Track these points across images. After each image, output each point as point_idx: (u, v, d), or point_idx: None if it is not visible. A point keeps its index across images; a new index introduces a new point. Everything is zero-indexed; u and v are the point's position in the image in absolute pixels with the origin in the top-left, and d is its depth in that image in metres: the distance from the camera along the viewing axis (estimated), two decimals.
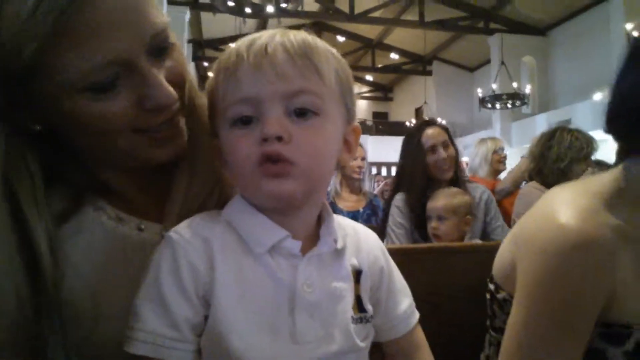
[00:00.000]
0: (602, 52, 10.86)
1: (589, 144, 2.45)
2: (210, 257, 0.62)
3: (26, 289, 0.61)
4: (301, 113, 0.62)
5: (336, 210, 3.25)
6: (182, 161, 0.76)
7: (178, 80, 0.69)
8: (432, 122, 2.35)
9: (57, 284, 0.64)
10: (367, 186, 3.71)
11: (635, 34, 7.40)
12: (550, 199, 0.84)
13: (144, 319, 0.59)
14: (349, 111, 0.70)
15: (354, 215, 3.28)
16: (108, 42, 0.59)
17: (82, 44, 0.57)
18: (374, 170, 15.42)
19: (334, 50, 0.70)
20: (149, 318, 0.59)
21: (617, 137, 0.82)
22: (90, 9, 0.57)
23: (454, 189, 2.13)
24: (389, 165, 16.80)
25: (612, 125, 0.81)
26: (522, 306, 0.80)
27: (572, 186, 0.86)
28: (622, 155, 0.83)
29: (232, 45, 0.68)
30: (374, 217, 3.34)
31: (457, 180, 2.28)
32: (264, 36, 0.64)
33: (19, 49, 0.55)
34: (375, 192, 5.99)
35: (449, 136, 2.31)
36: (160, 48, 0.66)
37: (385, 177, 12.10)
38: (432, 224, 2.03)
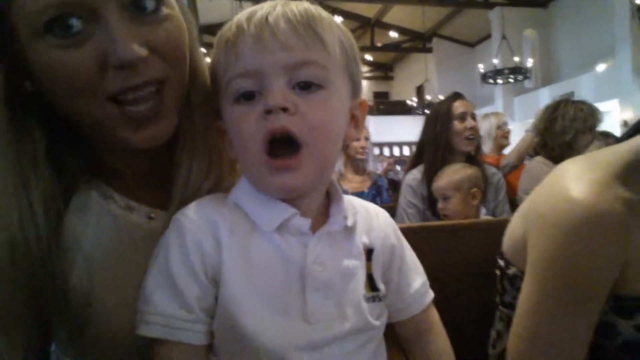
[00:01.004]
0: (605, 23, 10.70)
1: (594, 115, 2.44)
2: (217, 238, 0.62)
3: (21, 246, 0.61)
4: (305, 86, 0.60)
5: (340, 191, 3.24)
6: (182, 143, 0.74)
7: (166, 51, 0.65)
8: (461, 95, 2.36)
9: (56, 262, 0.64)
10: (371, 166, 3.70)
11: (638, 2, 7.26)
12: (561, 173, 0.83)
13: (155, 302, 0.59)
14: (355, 84, 0.68)
15: (358, 196, 3.27)
16: None
17: None
18: (377, 151, 15.38)
19: (338, 21, 0.68)
20: (159, 300, 0.59)
21: None
22: None
23: (457, 165, 2.08)
24: (390, 145, 16.77)
25: None
26: (534, 281, 0.80)
27: (582, 159, 0.85)
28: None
29: None
30: (378, 197, 3.34)
31: (474, 159, 2.27)
32: (265, 7, 0.63)
33: None
34: (379, 171, 6.00)
35: (473, 117, 2.33)
36: (137, 6, 0.62)
37: (388, 157, 12.08)
38: (439, 205, 2.00)
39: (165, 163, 0.75)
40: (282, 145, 0.60)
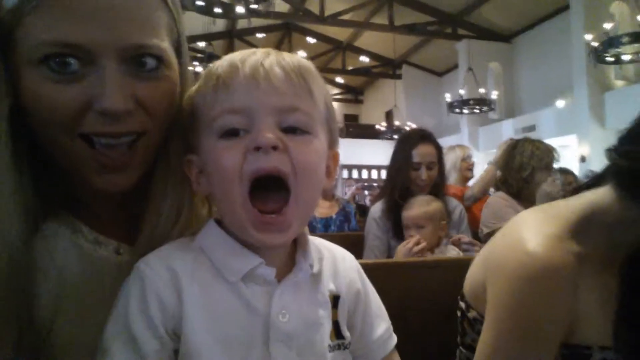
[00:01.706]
0: (564, 60, 11.25)
1: (549, 154, 2.62)
2: (178, 289, 0.61)
3: None
4: (292, 130, 0.62)
5: None
6: (156, 182, 0.75)
7: (153, 109, 0.67)
8: (427, 137, 2.40)
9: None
10: (339, 191, 3.75)
11: (594, 44, 7.69)
12: (519, 224, 0.88)
13: (113, 354, 0.58)
14: (332, 136, 0.71)
15: (326, 222, 3.30)
16: (78, 27, 0.59)
17: (55, 20, 0.58)
18: (345, 174, 15.51)
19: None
20: (117, 353, 0.58)
21: (621, 171, 0.77)
22: None
23: (427, 197, 2.19)
24: (359, 168, 16.93)
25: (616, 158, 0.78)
26: (491, 329, 0.83)
27: (539, 210, 0.90)
28: (602, 180, 0.83)
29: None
30: (346, 223, 3.38)
31: (437, 194, 2.35)
32: (257, 53, 0.65)
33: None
34: (347, 196, 6.06)
35: (439, 155, 2.39)
36: (137, 62, 0.64)
37: (356, 181, 12.20)
38: (411, 233, 2.06)
39: (136, 197, 0.75)
40: (262, 186, 0.61)
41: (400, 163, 2.35)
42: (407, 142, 2.40)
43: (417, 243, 1.94)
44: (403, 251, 1.95)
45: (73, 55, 0.60)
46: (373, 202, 2.57)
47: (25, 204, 0.63)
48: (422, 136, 2.39)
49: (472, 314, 0.98)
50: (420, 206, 2.10)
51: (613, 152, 0.78)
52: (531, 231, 0.83)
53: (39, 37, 0.59)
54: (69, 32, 0.59)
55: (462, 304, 1.02)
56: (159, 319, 0.59)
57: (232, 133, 0.62)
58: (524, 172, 2.57)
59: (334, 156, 0.73)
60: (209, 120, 0.63)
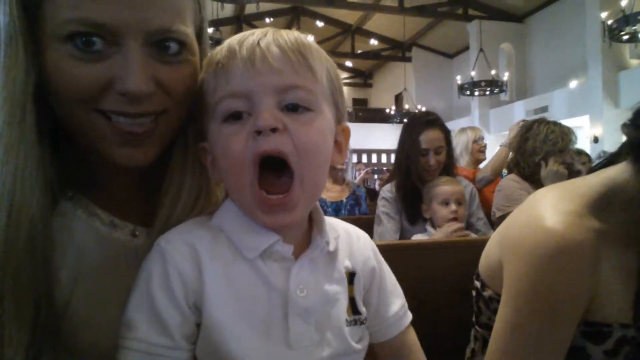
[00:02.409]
0: (578, 40, 11.07)
1: (564, 137, 2.49)
2: (199, 264, 0.62)
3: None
4: (293, 108, 0.62)
5: (320, 201, 3.26)
6: (174, 165, 0.75)
7: (173, 90, 0.67)
8: (433, 122, 2.35)
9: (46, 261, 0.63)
10: (349, 176, 3.74)
11: (609, 22, 7.52)
12: (536, 201, 0.86)
13: (137, 328, 0.59)
14: (339, 111, 0.70)
15: (337, 206, 3.30)
16: (106, 7, 0.59)
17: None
18: (355, 158, 15.47)
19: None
20: (141, 327, 0.59)
21: (638, 144, 0.78)
22: None
23: (448, 177, 2.26)
24: (369, 152, 16.89)
25: (632, 131, 0.78)
26: (509, 307, 0.83)
27: (557, 188, 0.89)
28: (619, 157, 0.83)
29: (210, 30, 0.68)
30: (357, 207, 3.37)
31: (448, 173, 2.35)
32: (256, 33, 0.65)
33: None
34: (357, 180, 6.05)
35: (447, 138, 2.36)
36: (160, 46, 0.64)
37: (365, 165, 12.16)
38: (452, 207, 2.11)
39: (153, 179, 0.75)
40: (272, 168, 0.61)
41: (409, 149, 2.33)
42: (413, 128, 2.37)
43: (460, 229, 2.07)
44: (445, 232, 2.04)
45: (98, 34, 0.60)
46: (382, 185, 2.56)
47: (45, 178, 0.64)
48: (428, 121, 2.35)
49: (487, 293, 0.97)
50: (455, 184, 2.17)
51: (630, 127, 0.77)
52: (549, 208, 0.82)
53: (66, 15, 0.59)
54: (97, 12, 0.59)
55: (478, 283, 1.02)
56: (181, 293, 0.60)
57: (235, 117, 0.62)
58: (537, 157, 2.48)
59: (343, 131, 0.72)
60: (213, 105, 0.64)
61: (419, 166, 2.30)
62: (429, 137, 2.29)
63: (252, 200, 0.62)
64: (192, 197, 0.74)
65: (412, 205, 2.28)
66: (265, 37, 0.63)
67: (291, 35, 0.65)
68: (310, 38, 0.68)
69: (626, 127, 0.77)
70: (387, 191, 2.41)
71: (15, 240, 0.59)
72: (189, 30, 0.68)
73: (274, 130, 0.59)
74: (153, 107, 0.65)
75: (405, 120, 13.33)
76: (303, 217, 0.66)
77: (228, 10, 12.03)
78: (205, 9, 0.75)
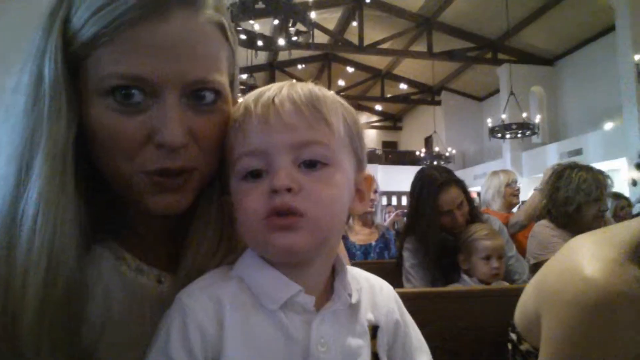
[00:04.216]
0: (610, 82, 10.91)
1: (598, 184, 2.31)
2: (220, 318, 0.61)
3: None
4: (311, 164, 0.62)
5: (348, 243, 3.23)
6: (200, 213, 0.76)
7: (205, 144, 0.68)
8: (448, 183, 2.22)
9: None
10: (378, 218, 3.70)
11: None
12: (573, 250, 0.83)
13: None
14: (359, 158, 0.69)
15: (366, 249, 3.25)
16: (145, 61, 0.61)
17: (124, 54, 0.61)
18: (384, 200, 15.36)
19: (340, 98, 0.70)
20: None
21: None
22: (150, 30, 0.61)
23: (484, 225, 2.17)
24: (399, 195, 16.75)
25: None
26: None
27: (596, 234, 0.85)
28: None
29: (244, 76, 0.68)
30: (386, 251, 3.31)
31: (474, 217, 2.27)
32: (272, 88, 0.66)
33: (81, 29, 0.62)
34: (386, 223, 5.97)
35: (465, 192, 2.26)
36: (197, 96, 0.66)
37: (395, 207, 12.03)
38: (494, 264, 2.01)
39: (181, 225, 0.76)
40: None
41: (429, 215, 2.20)
42: (429, 191, 2.23)
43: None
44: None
45: (138, 87, 0.62)
46: (403, 236, 2.41)
47: (81, 228, 0.65)
48: (442, 183, 2.20)
49: (524, 347, 0.92)
50: (496, 238, 2.07)
51: None
52: (588, 256, 0.78)
53: (108, 69, 0.61)
54: (138, 66, 0.61)
55: (514, 336, 0.97)
56: (200, 348, 0.59)
57: (254, 175, 0.63)
58: (570, 207, 2.33)
59: (365, 179, 0.71)
60: (232, 163, 0.65)
61: (443, 225, 2.21)
62: (448, 199, 2.19)
63: (258, 226, 0.61)
64: (214, 242, 0.74)
65: (447, 260, 2.18)
66: (280, 92, 0.64)
67: (305, 88, 0.65)
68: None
69: None
70: (410, 245, 2.30)
71: (52, 296, 0.60)
72: (224, 80, 0.69)
73: (289, 190, 0.59)
74: (186, 163, 0.66)
75: (435, 163, 13.21)
76: (314, 247, 0.63)
77: (262, 57, 12.49)
78: (237, 59, 0.77)
